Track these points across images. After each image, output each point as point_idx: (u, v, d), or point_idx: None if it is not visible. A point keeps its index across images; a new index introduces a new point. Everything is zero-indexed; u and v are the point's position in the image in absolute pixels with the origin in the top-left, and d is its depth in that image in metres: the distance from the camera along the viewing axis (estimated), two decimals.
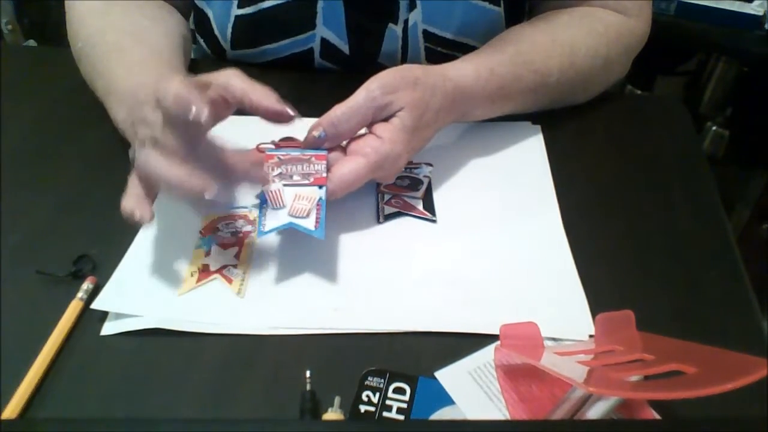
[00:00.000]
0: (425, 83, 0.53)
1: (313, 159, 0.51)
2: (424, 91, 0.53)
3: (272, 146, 0.54)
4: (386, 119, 0.52)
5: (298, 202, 0.49)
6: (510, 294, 0.49)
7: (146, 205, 0.46)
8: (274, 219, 0.48)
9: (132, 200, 0.46)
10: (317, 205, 0.49)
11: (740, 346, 0.33)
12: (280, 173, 0.50)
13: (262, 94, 0.47)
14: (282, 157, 0.51)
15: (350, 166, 0.51)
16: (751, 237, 1.41)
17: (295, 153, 0.52)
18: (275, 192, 0.49)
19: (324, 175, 0.50)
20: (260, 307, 0.47)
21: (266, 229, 0.48)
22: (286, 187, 0.50)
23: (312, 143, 0.52)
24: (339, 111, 0.51)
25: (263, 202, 0.49)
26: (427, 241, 0.53)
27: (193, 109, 0.43)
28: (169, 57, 0.60)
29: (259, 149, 0.53)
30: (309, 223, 0.48)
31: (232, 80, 0.47)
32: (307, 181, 0.50)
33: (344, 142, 0.53)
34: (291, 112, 0.48)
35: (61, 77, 0.69)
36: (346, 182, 0.50)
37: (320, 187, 0.50)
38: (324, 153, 0.52)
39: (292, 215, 0.48)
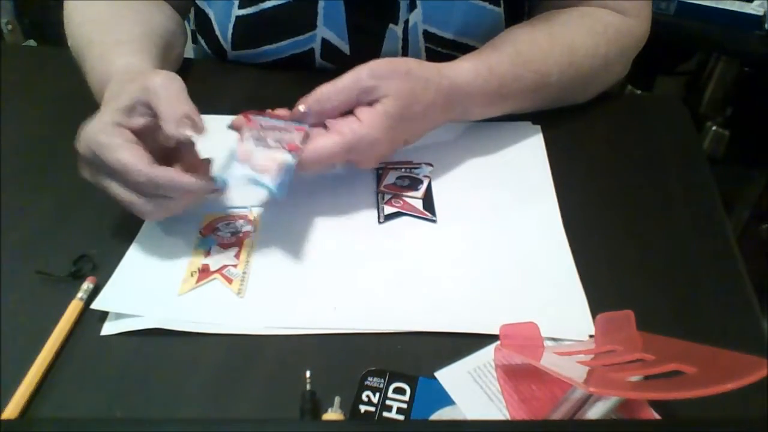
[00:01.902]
0: (418, 76, 0.53)
1: (292, 130, 0.52)
2: (416, 83, 0.53)
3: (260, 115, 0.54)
4: (371, 104, 0.52)
5: (265, 160, 0.49)
6: (510, 294, 0.49)
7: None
8: (237, 172, 0.49)
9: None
10: (283, 167, 0.49)
11: (740, 346, 0.33)
12: (258, 137, 0.51)
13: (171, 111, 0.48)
14: (263, 125, 0.52)
15: (324, 142, 0.51)
16: (751, 237, 1.41)
17: (278, 123, 0.52)
18: (245, 150, 0.50)
19: (298, 144, 0.50)
20: (260, 307, 0.47)
21: (227, 178, 0.49)
22: (258, 149, 0.50)
23: (297, 117, 0.53)
24: (324, 89, 0.52)
25: (233, 157, 0.50)
26: (427, 241, 0.53)
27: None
28: (137, 44, 0.59)
29: (245, 115, 0.53)
30: (268, 180, 0.48)
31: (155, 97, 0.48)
32: (279, 146, 0.50)
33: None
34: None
35: (61, 77, 0.69)
36: (317, 156, 0.50)
37: (291, 153, 0.50)
38: (304, 126, 0.52)
39: (254, 170, 0.49)
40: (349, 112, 0.53)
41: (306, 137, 0.51)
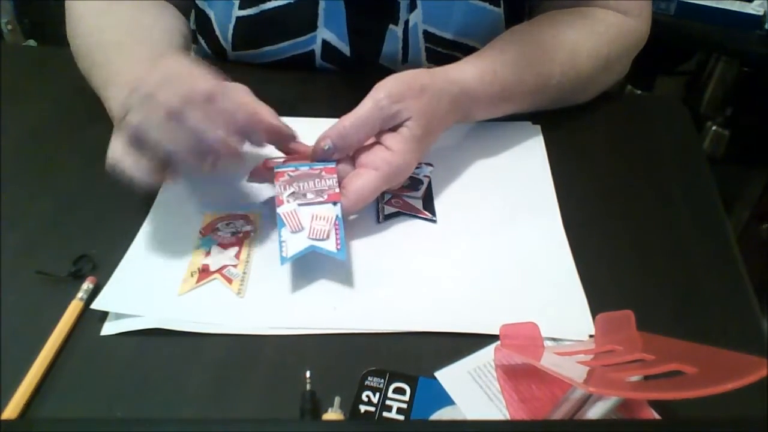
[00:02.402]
0: (432, 90, 0.53)
1: (323, 173, 0.51)
2: (431, 98, 0.53)
3: (280, 161, 0.53)
4: (394, 128, 0.52)
5: (316, 223, 0.49)
6: (510, 294, 0.49)
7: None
8: (295, 243, 0.48)
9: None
10: (335, 224, 0.49)
11: (740, 346, 0.33)
12: (293, 192, 0.50)
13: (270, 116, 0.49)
14: (292, 174, 0.51)
15: (363, 181, 0.51)
16: (751, 237, 1.41)
17: (304, 168, 0.52)
18: (292, 214, 0.49)
19: (337, 190, 0.50)
20: (260, 307, 0.47)
21: (289, 255, 0.47)
22: (301, 207, 0.49)
23: (320, 155, 0.52)
24: (347, 122, 0.51)
25: (281, 225, 0.49)
26: (427, 241, 0.53)
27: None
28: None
29: (267, 165, 0.53)
30: (330, 245, 0.48)
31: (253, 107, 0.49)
32: (321, 199, 0.50)
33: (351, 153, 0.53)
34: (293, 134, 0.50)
35: (61, 77, 0.69)
36: (360, 198, 0.50)
37: (335, 203, 0.50)
38: (333, 166, 0.52)
39: (312, 238, 0.48)
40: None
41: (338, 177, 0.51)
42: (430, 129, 0.53)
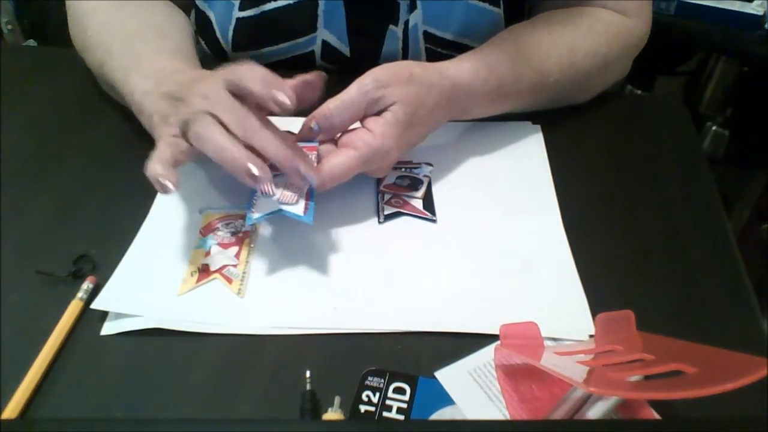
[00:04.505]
0: (421, 80, 0.53)
1: (303, 150, 0.52)
2: (420, 88, 0.53)
3: None
4: (378, 113, 0.52)
5: (287, 189, 0.49)
6: (510, 294, 0.49)
7: (173, 172, 0.46)
8: (263, 205, 0.49)
9: (159, 166, 0.46)
10: (306, 193, 0.49)
11: (740, 346, 0.33)
12: (270, 165, 0.51)
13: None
14: None
15: (340, 159, 0.51)
16: (751, 237, 1.41)
17: None
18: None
19: (314, 165, 0.51)
20: (260, 307, 0.47)
21: (255, 215, 0.48)
22: (276, 178, 0.50)
23: (306, 136, 0.53)
24: (332, 104, 0.52)
25: (253, 192, 0.49)
26: (427, 241, 0.53)
27: (280, 95, 0.46)
28: (190, 54, 0.61)
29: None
30: (298, 209, 0.48)
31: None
32: None
33: (337, 135, 0.53)
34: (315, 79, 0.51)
35: (61, 77, 0.69)
36: (335, 174, 0.50)
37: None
38: (314, 145, 0.52)
39: (281, 202, 0.49)
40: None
41: (317, 156, 0.51)
42: (416, 118, 0.53)
